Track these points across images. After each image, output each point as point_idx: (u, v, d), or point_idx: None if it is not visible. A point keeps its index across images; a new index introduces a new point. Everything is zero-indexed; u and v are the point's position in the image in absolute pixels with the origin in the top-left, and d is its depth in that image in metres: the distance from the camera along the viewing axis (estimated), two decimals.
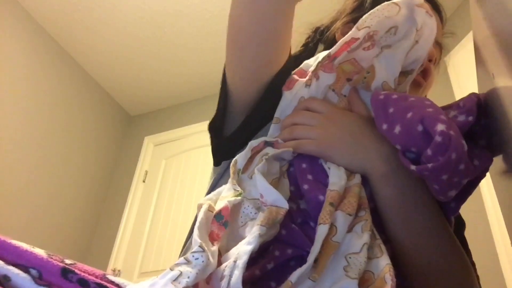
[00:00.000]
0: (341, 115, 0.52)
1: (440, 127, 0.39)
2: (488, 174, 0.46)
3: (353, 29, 0.50)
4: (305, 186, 0.45)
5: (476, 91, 0.48)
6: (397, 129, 0.43)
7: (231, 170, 0.46)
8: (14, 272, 0.28)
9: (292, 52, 0.63)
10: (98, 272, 0.31)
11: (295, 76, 0.56)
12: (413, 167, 0.41)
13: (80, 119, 3.14)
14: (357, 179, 0.45)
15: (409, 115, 0.42)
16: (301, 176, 0.46)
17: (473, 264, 0.52)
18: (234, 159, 0.47)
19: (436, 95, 0.68)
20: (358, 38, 0.50)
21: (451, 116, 0.43)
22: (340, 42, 0.51)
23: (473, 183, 0.45)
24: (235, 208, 0.42)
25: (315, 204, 0.42)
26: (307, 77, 0.54)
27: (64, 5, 2.78)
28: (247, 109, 0.57)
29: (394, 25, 0.50)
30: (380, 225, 0.45)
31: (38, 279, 0.28)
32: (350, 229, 0.40)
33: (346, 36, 0.50)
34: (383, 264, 0.37)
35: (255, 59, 0.54)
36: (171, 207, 2.94)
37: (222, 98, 0.59)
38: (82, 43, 3.03)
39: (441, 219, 0.46)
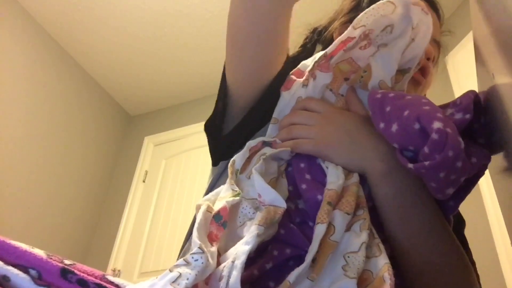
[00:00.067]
0: (339, 114, 0.52)
1: (437, 124, 0.39)
2: (488, 173, 0.46)
3: (349, 28, 0.50)
4: (303, 186, 0.45)
5: (476, 90, 0.48)
6: (394, 127, 0.43)
7: (229, 170, 0.46)
8: (13, 272, 0.28)
9: (290, 53, 0.63)
10: (98, 272, 0.31)
11: (293, 77, 0.56)
12: (410, 165, 0.41)
13: (80, 119, 3.14)
14: (355, 178, 0.45)
15: (406, 113, 0.42)
16: (299, 175, 0.46)
17: (473, 263, 0.52)
18: (232, 159, 0.47)
19: (436, 95, 0.68)
20: (354, 37, 0.50)
21: (448, 114, 0.43)
22: (336, 42, 0.51)
23: (472, 181, 0.45)
24: (233, 208, 0.42)
25: (313, 203, 0.42)
26: (304, 77, 0.54)
27: (64, 5, 2.78)
28: (245, 110, 0.58)
29: (390, 24, 0.50)
30: (378, 224, 0.45)
31: (37, 280, 0.28)
32: (348, 228, 0.40)
33: (342, 35, 0.51)
34: (382, 263, 0.37)
35: (255, 59, 0.54)
36: (171, 207, 2.94)
37: (221, 98, 0.59)
38: (82, 43, 3.03)
39: (440, 217, 0.46)
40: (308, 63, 0.56)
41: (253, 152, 0.49)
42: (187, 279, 0.31)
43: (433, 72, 0.68)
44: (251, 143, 0.49)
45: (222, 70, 0.60)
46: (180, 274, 0.31)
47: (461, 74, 2.28)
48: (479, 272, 0.52)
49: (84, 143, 3.14)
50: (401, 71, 0.54)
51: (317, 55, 0.53)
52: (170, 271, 0.32)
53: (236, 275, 0.32)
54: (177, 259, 0.45)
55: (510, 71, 0.32)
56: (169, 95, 3.42)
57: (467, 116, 0.42)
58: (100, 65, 3.19)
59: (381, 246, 0.39)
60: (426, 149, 0.39)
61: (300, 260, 0.39)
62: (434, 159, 0.39)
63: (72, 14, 2.83)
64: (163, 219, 2.91)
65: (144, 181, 3.18)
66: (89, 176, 3.13)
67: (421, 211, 0.45)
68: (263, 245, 0.39)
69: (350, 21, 0.67)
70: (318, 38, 0.71)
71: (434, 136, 0.38)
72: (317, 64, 0.53)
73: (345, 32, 0.50)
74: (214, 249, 0.36)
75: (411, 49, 0.52)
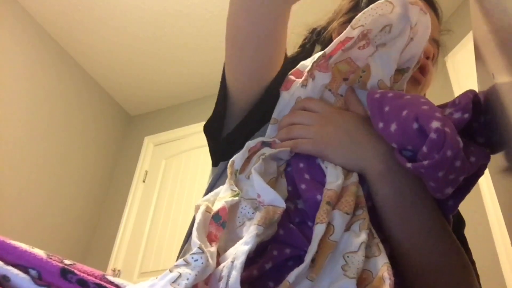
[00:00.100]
0: (338, 114, 0.52)
1: (435, 124, 0.39)
2: (488, 173, 0.46)
3: (348, 28, 0.50)
4: (303, 186, 0.45)
5: (476, 90, 0.48)
6: (393, 127, 0.43)
7: (228, 171, 0.46)
8: (13, 272, 0.28)
9: (289, 53, 0.63)
10: (98, 272, 0.31)
11: (292, 77, 0.56)
12: (409, 164, 0.41)
13: (80, 119, 3.14)
14: (354, 178, 0.45)
15: (404, 113, 0.42)
16: (299, 175, 0.46)
17: (472, 262, 0.52)
18: (231, 159, 0.47)
19: (436, 95, 0.68)
20: (353, 37, 0.50)
21: (446, 113, 0.43)
22: (335, 42, 0.51)
23: (471, 181, 0.45)
24: (232, 208, 0.42)
25: (312, 203, 0.42)
26: (303, 77, 0.54)
27: (64, 5, 2.78)
28: (245, 111, 0.58)
29: (388, 23, 0.50)
30: (378, 223, 0.45)
31: (37, 280, 0.28)
32: (347, 228, 0.40)
33: (341, 35, 0.51)
34: (381, 263, 0.37)
35: (254, 59, 0.54)
36: (171, 207, 2.94)
37: (220, 100, 0.59)
38: (82, 43, 3.03)
39: (439, 217, 0.46)
40: (307, 63, 0.56)
41: (253, 152, 0.49)
42: (187, 279, 0.31)
43: (433, 71, 0.68)
44: (250, 143, 0.49)
45: (222, 70, 0.60)
46: (180, 274, 0.31)
47: (461, 74, 2.28)
48: (479, 272, 0.52)
49: (84, 143, 3.14)
50: (400, 71, 0.54)
51: (316, 55, 0.53)
52: (170, 271, 0.32)
53: (235, 275, 0.32)
54: (177, 260, 0.45)
55: (510, 71, 0.32)
56: (169, 95, 3.42)
57: (466, 115, 0.42)
58: (100, 65, 3.19)
59: (381, 246, 0.39)
60: (424, 149, 0.39)
61: (299, 260, 0.39)
62: (433, 159, 0.39)
63: (72, 14, 2.83)
64: (163, 219, 2.91)
65: (144, 181, 3.18)
66: (89, 176, 3.13)
67: (420, 210, 0.45)
68: (263, 245, 0.39)
69: (349, 21, 0.67)
70: (317, 38, 0.71)
71: (433, 135, 0.38)
72: (316, 64, 0.53)
73: (344, 32, 0.50)
74: (213, 249, 0.36)
75: (410, 49, 0.52)
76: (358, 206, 0.42)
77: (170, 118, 3.44)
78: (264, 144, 0.51)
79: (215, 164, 0.61)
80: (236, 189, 0.43)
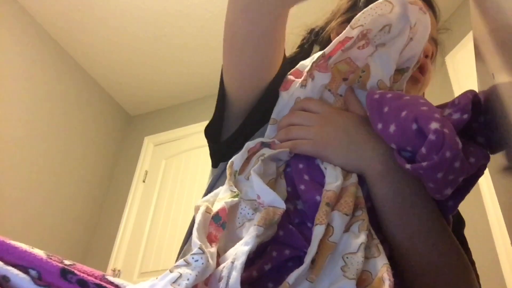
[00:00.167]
0: (337, 115, 0.52)
1: (434, 125, 0.39)
2: (488, 172, 0.46)
3: (347, 28, 0.50)
4: (302, 187, 0.45)
5: (476, 90, 0.48)
6: (392, 128, 0.43)
7: (228, 172, 0.46)
8: (13, 272, 0.28)
9: (288, 53, 0.63)
10: (98, 273, 0.31)
11: (291, 77, 0.56)
12: (408, 166, 0.41)
13: (80, 119, 3.14)
14: (353, 178, 0.45)
15: (404, 114, 0.42)
16: (298, 176, 0.46)
17: (472, 263, 0.52)
18: (230, 160, 0.47)
19: (436, 95, 0.68)
20: (352, 37, 0.50)
21: (446, 114, 0.43)
22: (334, 42, 0.51)
23: (471, 181, 0.45)
24: (232, 209, 0.42)
25: (311, 204, 0.42)
26: (303, 78, 0.54)
27: (64, 5, 2.78)
28: (244, 113, 0.58)
29: (387, 23, 0.50)
30: (377, 224, 0.45)
31: (37, 280, 0.28)
32: (347, 229, 0.40)
33: (340, 35, 0.50)
34: (381, 264, 0.37)
35: (252, 60, 0.54)
36: (171, 207, 2.94)
37: (219, 102, 0.59)
38: (82, 43, 3.03)
39: (439, 217, 0.46)
40: (306, 63, 0.56)
41: (252, 153, 0.49)
42: (188, 279, 0.31)
43: (431, 70, 0.68)
44: (249, 144, 0.49)
45: (221, 70, 0.60)
46: (181, 274, 0.31)
47: (461, 74, 2.28)
48: (479, 272, 0.52)
49: (84, 143, 3.14)
50: (399, 71, 0.54)
51: (315, 55, 0.53)
52: (171, 271, 0.32)
53: (235, 276, 0.32)
54: (176, 260, 0.45)
55: (510, 71, 0.32)
56: (169, 95, 3.42)
57: (465, 116, 0.42)
58: (100, 65, 3.19)
59: (380, 246, 0.39)
60: (423, 150, 0.39)
61: (299, 261, 0.39)
62: (432, 160, 0.39)
63: (72, 14, 2.83)
64: (163, 219, 2.91)
65: (144, 181, 3.18)
66: (89, 176, 3.13)
67: (420, 211, 0.45)
68: (262, 246, 0.39)
69: (347, 21, 0.67)
70: (315, 38, 0.71)
71: (432, 136, 0.38)
72: (315, 64, 0.53)
73: (343, 32, 0.50)
74: (213, 249, 0.36)
75: (409, 49, 0.52)
76: (358, 207, 0.42)
77: (170, 118, 3.44)
78: (264, 144, 0.50)
79: (215, 165, 0.61)
80: (235, 190, 0.43)
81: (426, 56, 0.64)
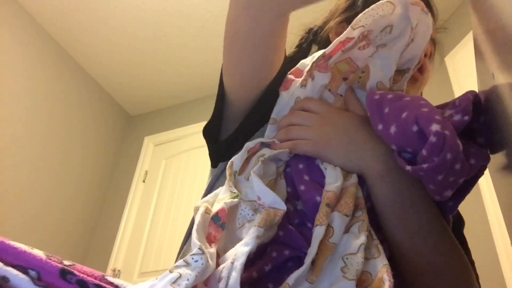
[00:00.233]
0: (337, 115, 0.51)
1: (435, 127, 0.38)
2: (488, 172, 0.46)
3: (348, 28, 0.50)
4: (302, 187, 0.44)
5: (476, 90, 0.48)
6: (392, 129, 0.43)
7: (227, 172, 0.45)
8: (13, 273, 0.28)
9: (286, 53, 0.63)
10: (97, 273, 0.31)
11: (291, 76, 0.56)
12: (408, 167, 0.41)
13: (80, 119, 3.14)
14: (353, 179, 0.45)
15: (404, 115, 0.42)
16: (298, 177, 0.46)
17: (472, 262, 0.52)
18: (230, 160, 0.47)
19: (436, 95, 0.68)
20: (353, 38, 0.50)
21: (446, 115, 0.43)
22: (335, 42, 0.51)
23: (471, 182, 0.45)
24: (232, 210, 0.41)
25: (311, 205, 0.42)
26: (303, 77, 0.54)
27: (64, 5, 2.78)
28: (244, 113, 0.57)
29: (389, 24, 0.50)
30: (377, 225, 0.45)
31: (37, 280, 0.28)
32: (347, 230, 0.40)
33: (341, 35, 0.50)
34: (381, 264, 0.37)
35: (252, 61, 0.54)
36: (171, 207, 2.94)
37: (218, 102, 0.59)
38: (82, 43, 3.03)
39: (439, 218, 0.46)
40: (307, 63, 0.56)
41: (252, 153, 0.49)
42: (187, 280, 0.31)
43: (430, 69, 0.68)
44: (249, 144, 0.49)
45: (221, 70, 0.60)
46: (180, 275, 0.31)
47: (461, 74, 2.28)
48: (479, 272, 0.52)
49: (84, 143, 3.14)
50: (400, 71, 0.54)
51: (316, 55, 0.53)
52: (170, 272, 0.32)
53: (235, 276, 0.32)
54: (176, 261, 0.45)
55: (510, 70, 0.32)
56: (169, 95, 3.42)
57: (466, 117, 0.42)
58: (100, 65, 3.19)
59: (380, 247, 0.39)
60: (424, 152, 0.39)
61: (299, 261, 0.39)
62: (432, 162, 0.39)
63: (72, 14, 2.83)
64: (163, 219, 2.91)
65: (144, 181, 3.18)
66: (89, 176, 3.13)
67: (419, 211, 0.45)
68: (262, 247, 0.39)
69: (345, 20, 0.67)
70: (314, 38, 0.71)
71: (432, 138, 0.38)
72: (315, 64, 0.53)
73: (344, 32, 0.50)
74: (213, 250, 0.36)
75: (410, 49, 0.52)
76: (358, 208, 0.42)
77: (170, 118, 3.44)
78: (263, 145, 0.50)
79: (214, 165, 0.61)
80: (235, 190, 0.43)
81: (425, 56, 0.64)
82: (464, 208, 0.57)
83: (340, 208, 0.40)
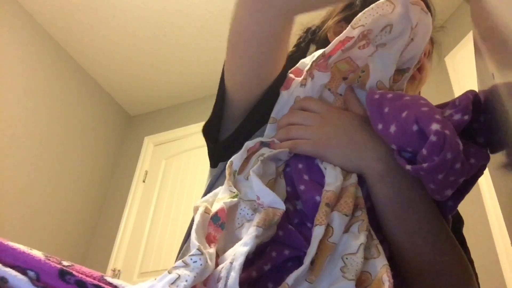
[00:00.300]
0: (337, 114, 0.51)
1: (435, 126, 0.38)
2: (487, 172, 0.46)
3: (348, 28, 0.50)
4: (302, 187, 0.44)
5: (476, 90, 0.48)
6: (392, 128, 0.43)
7: (227, 172, 0.45)
8: (11, 274, 0.28)
9: None
10: (96, 273, 0.31)
11: (292, 75, 0.56)
12: (408, 167, 0.41)
13: (80, 119, 3.14)
14: (353, 179, 0.45)
15: (404, 114, 0.42)
16: (298, 176, 0.46)
17: (471, 262, 0.52)
18: (229, 160, 0.47)
19: (436, 95, 0.68)
20: (353, 37, 0.50)
21: (446, 114, 0.43)
22: (334, 41, 0.51)
23: (470, 181, 0.45)
24: (231, 209, 0.41)
25: (311, 204, 0.42)
26: (302, 77, 0.54)
27: (64, 5, 2.78)
28: (244, 113, 0.57)
29: (389, 24, 0.50)
30: (377, 224, 0.45)
31: (35, 281, 0.28)
32: (346, 230, 0.40)
33: (341, 35, 0.50)
34: (380, 264, 0.36)
35: (255, 61, 0.54)
36: (171, 207, 2.94)
37: (218, 102, 0.59)
38: (82, 43, 3.03)
39: (438, 218, 0.46)
40: (307, 62, 0.55)
41: (251, 153, 0.49)
42: (186, 280, 0.31)
43: (428, 68, 0.68)
44: (249, 144, 0.49)
45: (222, 70, 0.60)
46: (179, 275, 0.31)
47: (461, 74, 2.28)
48: (479, 272, 0.52)
49: (84, 143, 3.14)
50: (400, 71, 0.54)
51: (316, 54, 0.53)
52: (169, 272, 0.32)
53: (234, 276, 0.32)
54: (176, 261, 0.45)
55: (510, 70, 0.32)
56: (169, 95, 3.42)
57: (466, 117, 0.42)
58: (100, 65, 3.19)
59: (380, 247, 0.39)
60: (424, 151, 0.39)
61: (298, 261, 0.39)
62: (433, 161, 0.39)
63: (72, 14, 2.83)
64: (163, 219, 2.91)
65: (144, 181, 3.18)
66: (89, 176, 3.13)
67: (419, 211, 0.45)
68: (262, 246, 0.39)
69: (344, 19, 0.67)
70: (312, 37, 0.71)
71: (433, 138, 0.38)
72: (315, 63, 0.53)
73: (344, 31, 0.50)
74: (212, 250, 0.36)
75: (410, 49, 0.52)
76: (357, 207, 0.42)
77: (170, 118, 3.44)
78: (263, 144, 0.50)
79: (214, 165, 0.61)
80: (234, 190, 0.43)
81: (424, 55, 0.64)
82: (464, 208, 0.57)
83: (339, 207, 0.40)
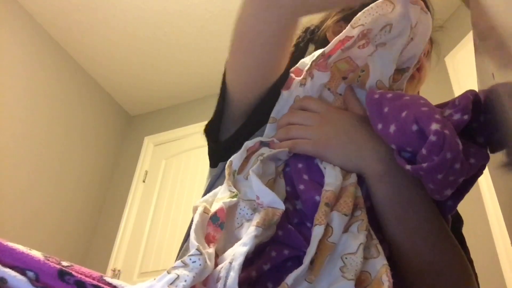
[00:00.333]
0: (337, 114, 0.51)
1: (435, 126, 0.38)
2: (487, 172, 0.46)
3: (348, 27, 0.50)
4: (301, 187, 0.44)
5: (476, 90, 0.48)
6: (392, 128, 0.43)
7: (226, 171, 0.45)
8: (10, 274, 0.28)
9: None
10: (95, 274, 0.31)
11: (292, 75, 0.56)
12: (408, 166, 0.41)
13: (80, 119, 3.14)
14: (352, 178, 0.45)
15: (404, 114, 0.42)
16: (297, 176, 0.46)
17: (471, 261, 0.52)
18: (229, 160, 0.47)
19: (436, 95, 0.68)
20: (353, 37, 0.50)
21: (446, 114, 0.43)
22: (334, 41, 0.51)
23: (470, 181, 0.45)
24: (230, 209, 0.41)
25: (311, 204, 0.42)
26: (302, 76, 0.54)
27: (64, 5, 2.78)
28: (245, 113, 0.57)
29: (388, 23, 0.50)
30: (376, 224, 0.45)
31: (35, 281, 0.28)
32: (346, 229, 0.40)
33: (340, 34, 0.50)
34: (380, 264, 0.36)
35: (258, 61, 0.54)
36: (171, 207, 2.94)
37: (220, 102, 0.59)
38: (82, 43, 3.03)
39: (438, 217, 0.46)
40: (306, 61, 0.55)
41: (251, 152, 0.49)
42: (185, 281, 0.31)
43: (427, 67, 0.68)
44: (248, 144, 0.49)
45: (222, 69, 0.60)
46: (178, 276, 0.31)
47: (461, 74, 2.28)
48: (478, 272, 0.52)
49: (84, 143, 3.14)
50: (399, 71, 0.54)
51: (315, 53, 0.53)
52: (168, 272, 0.32)
53: (233, 276, 0.32)
54: (175, 261, 0.45)
55: (510, 70, 0.32)
56: (169, 95, 3.42)
57: (465, 117, 0.42)
58: (100, 65, 3.19)
59: (379, 247, 0.39)
60: (424, 151, 0.39)
61: (298, 261, 0.39)
62: (432, 161, 0.38)
63: (72, 14, 2.83)
64: (163, 219, 2.91)
65: (144, 181, 3.18)
66: (89, 176, 3.13)
67: (419, 211, 0.45)
68: (261, 246, 0.39)
69: (343, 19, 0.67)
70: (311, 37, 0.71)
71: (432, 138, 0.38)
72: (315, 63, 0.52)
73: (344, 31, 0.50)
74: (211, 250, 0.35)
75: (410, 49, 0.52)
76: (357, 207, 0.42)
77: (170, 118, 3.44)
78: (263, 143, 0.50)
79: (214, 165, 0.60)
80: (234, 190, 0.43)
81: (423, 54, 0.64)
82: (464, 207, 0.56)
83: (339, 207, 0.40)
